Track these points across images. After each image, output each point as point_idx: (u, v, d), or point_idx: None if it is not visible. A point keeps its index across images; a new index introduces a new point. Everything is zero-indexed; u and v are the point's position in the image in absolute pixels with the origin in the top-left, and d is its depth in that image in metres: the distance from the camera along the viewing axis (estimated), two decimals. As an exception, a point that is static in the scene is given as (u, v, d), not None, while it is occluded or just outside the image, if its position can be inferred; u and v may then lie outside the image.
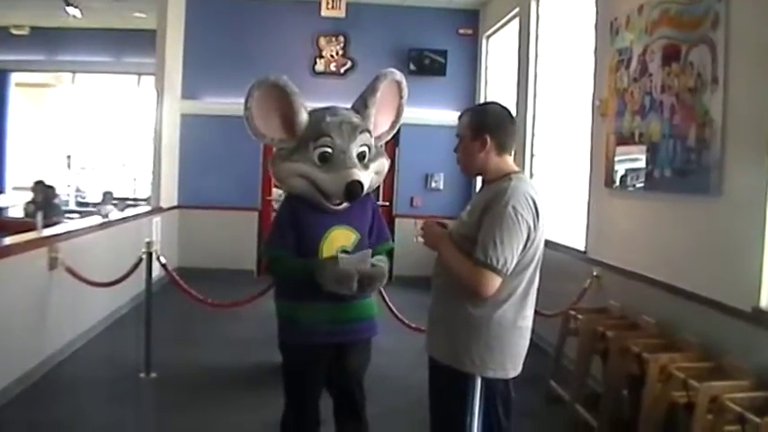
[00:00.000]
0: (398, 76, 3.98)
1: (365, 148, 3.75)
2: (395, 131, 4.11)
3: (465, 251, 2.97)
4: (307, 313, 3.61)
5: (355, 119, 3.76)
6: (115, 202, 11.24)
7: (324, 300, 3.54)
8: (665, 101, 5.11)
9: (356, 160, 3.67)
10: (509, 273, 2.91)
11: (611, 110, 6.01)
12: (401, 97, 4.03)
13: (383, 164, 3.91)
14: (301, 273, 3.52)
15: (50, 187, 10.35)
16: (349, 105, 3.90)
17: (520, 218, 2.88)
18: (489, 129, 3.10)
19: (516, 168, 3.14)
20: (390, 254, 3.97)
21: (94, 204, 12.72)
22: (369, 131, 3.79)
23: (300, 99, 3.74)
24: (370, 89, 3.87)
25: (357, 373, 3.85)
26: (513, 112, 7.81)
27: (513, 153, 3.18)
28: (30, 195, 10.69)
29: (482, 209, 2.97)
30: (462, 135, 3.19)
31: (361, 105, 3.85)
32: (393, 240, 4.18)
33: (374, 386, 4.06)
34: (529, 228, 2.92)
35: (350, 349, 3.73)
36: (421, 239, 3.26)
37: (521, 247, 2.91)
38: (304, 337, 3.63)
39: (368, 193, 3.88)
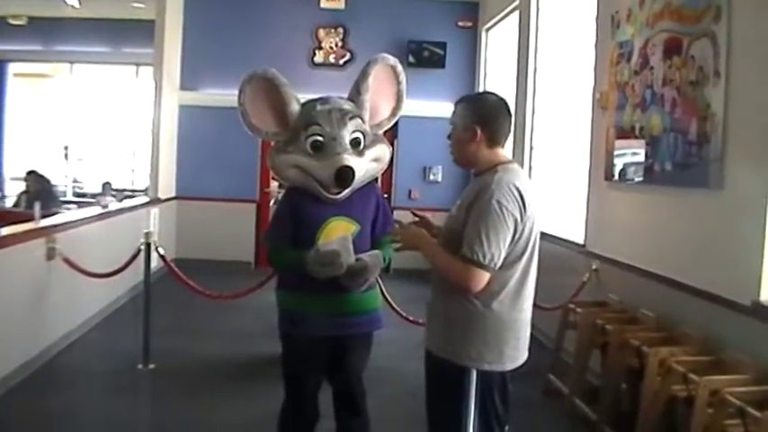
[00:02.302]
0: (392, 60, 3.91)
1: (359, 135, 3.69)
2: (396, 119, 4.03)
3: (454, 246, 2.93)
4: (305, 305, 3.59)
5: (347, 106, 3.72)
6: (114, 192, 11.23)
7: (322, 292, 3.52)
8: (666, 94, 5.09)
9: (348, 146, 3.62)
10: (497, 267, 2.88)
11: (611, 103, 6.00)
12: (399, 83, 3.95)
13: (383, 150, 3.85)
14: (296, 264, 3.49)
15: (43, 177, 10.32)
16: (347, 96, 3.87)
17: (505, 211, 2.84)
18: (481, 121, 3.04)
19: (506, 160, 3.08)
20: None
21: (92, 195, 12.70)
22: (361, 117, 3.74)
23: (290, 90, 3.73)
24: (362, 75, 3.82)
25: (355, 368, 3.81)
26: (513, 106, 7.81)
27: (505, 145, 3.13)
28: (23, 186, 10.65)
29: (469, 202, 2.95)
30: (454, 125, 3.15)
31: (355, 93, 3.81)
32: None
33: (373, 377, 4.04)
34: (515, 220, 2.87)
35: (349, 343, 3.70)
36: (396, 245, 3.25)
37: (508, 240, 2.87)
38: (302, 329, 3.61)
39: (373, 184, 3.87)
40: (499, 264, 2.87)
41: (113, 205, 8.49)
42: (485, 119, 3.06)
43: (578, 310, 5.47)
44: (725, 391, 3.56)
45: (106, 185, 12.30)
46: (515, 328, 3.03)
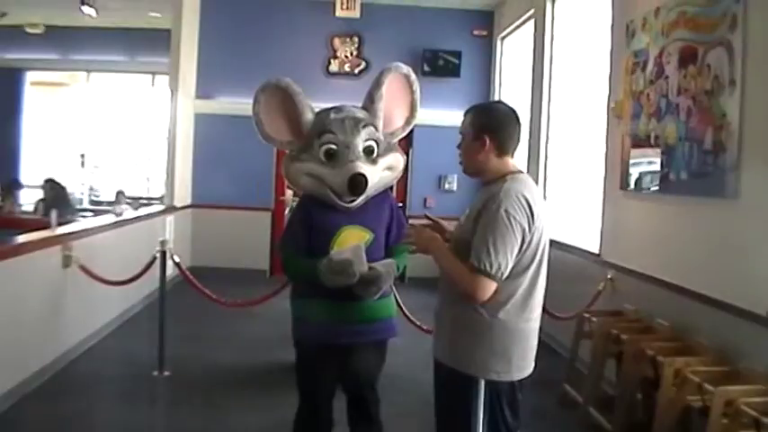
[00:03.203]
0: (405, 69, 3.92)
1: (372, 143, 3.71)
2: (410, 128, 4.03)
3: (463, 255, 2.93)
4: (319, 312, 3.60)
5: (360, 114, 3.74)
6: (129, 201, 11.27)
7: (336, 300, 3.53)
8: (681, 103, 5.08)
9: (361, 154, 3.64)
10: (504, 277, 2.88)
11: (626, 112, 5.99)
12: (413, 92, 3.96)
13: (397, 159, 3.85)
14: (309, 273, 3.50)
15: (59, 184, 10.37)
16: (361, 105, 3.88)
17: (512, 221, 2.84)
18: (490, 130, 3.05)
19: (515, 169, 3.08)
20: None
21: (108, 203, 12.75)
22: (374, 125, 3.75)
23: (304, 99, 3.76)
24: (375, 83, 3.83)
25: (368, 375, 3.83)
26: (528, 114, 7.79)
27: (514, 155, 3.14)
28: (40, 193, 10.70)
29: (477, 212, 2.95)
30: (464, 134, 3.16)
31: (368, 101, 3.83)
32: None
33: (387, 386, 4.06)
34: (523, 230, 2.87)
35: (362, 351, 3.70)
36: (411, 247, 3.25)
37: (515, 250, 2.87)
38: (315, 336, 3.63)
39: (387, 192, 3.88)
40: (506, 273, 2.87)
41: (128, 213, 8.53)
42: (494, 128, 3.07)
43: (593, 319, 5.46)
44: (740, 401, 3.55)
45: (120, 194, 12.33)
46: (523, 337, 3.02)
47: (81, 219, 9.03)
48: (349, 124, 3.65)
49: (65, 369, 5.99)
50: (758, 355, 4.05)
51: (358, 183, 3.53)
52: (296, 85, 3.76)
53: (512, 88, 10.49)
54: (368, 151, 3.68)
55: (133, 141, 15.02)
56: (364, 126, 3.69)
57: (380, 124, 3.82)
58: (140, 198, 12.85)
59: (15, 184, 11.30)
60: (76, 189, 14.06)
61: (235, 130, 9.80)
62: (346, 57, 11.27)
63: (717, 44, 4.64)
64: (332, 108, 3.78)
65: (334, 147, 3.61)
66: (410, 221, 3.82)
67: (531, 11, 9.09)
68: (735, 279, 4.43)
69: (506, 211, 2.84)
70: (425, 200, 11.26)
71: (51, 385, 5.61)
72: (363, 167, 3.57)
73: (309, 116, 3.75)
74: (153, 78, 14.19)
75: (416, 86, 3.96)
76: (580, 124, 7.52)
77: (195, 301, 6.62)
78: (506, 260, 2.84)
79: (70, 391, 5.55)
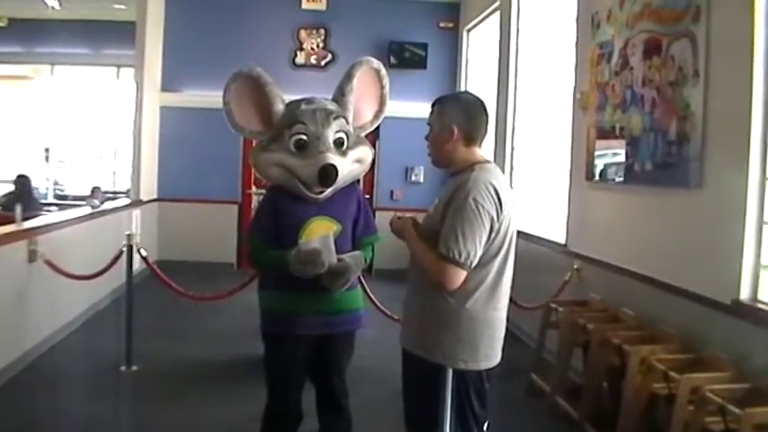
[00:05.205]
0: (375, 63, 3.94)
1: (342, 135, 3.71)
2: (379, 122, 4.05)
3: (432, 244, 2.95)
4: (287, 304, 3.60)
5: (331, 106, 3.75)
6: (108, 196, 11.16)
7: (304, 291, 3.53)
8: (645, 94, 5.13)
9: (332, 146, 3.63)
10: (473, 265, 2.90)
11: (591, 103, 6.03)
12: (382, 86, 3.98)
13: (366, 152, 3.86)
14: (277, 263, 3.51)
15: (26, 177, 10.24)
16: (330, 98, 3.88)
17: (481, 209, 2.87)
18: (457, 120, 3.07)
19: (482, 159, 3.11)
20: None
21: (74, 197, 12.60)
22: (345, 118, 3.76)
23: (275, 89, 3.75)
24: (346, 76, 3.85)
25: (338, 367, 3.82)
26: (494, 106, 7.80)
27: (482, 145, 3.16)
28: (9, 189, 10.55)
29: (446, 202, 2.97)
30: (432, 125, 3.18)
31: (338, 93, 3.84)
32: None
33: (356, 377, 4.06)
34: (491, 219, 2.90)
35: (331, 342, 3.71)
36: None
37: (484, 239, 2.90)
38: (284, 328, 3.62)
39: (354, 185, 3.88)
40: (475, 262, 2.90)
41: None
42: (461, 118, 3.09)
43: (560, 309, 5.49)
44: (705, 388, 3.58)
45: (96, 189, 12.17)
46: (491, 326, 3.05)
47: (46, 213, 8.93)
48: (320, 116, 3.64)
49: (30, 366, 5.92)
50: (723, 343, 4.10)
51: (328, 173, 3.53)
52: (267, 75, 3.75)
53: (478, 80, 10.51)
54: (338, 143, 3.68)
55: (98, 135, 14.89)
56: (335, 118, 3.69)
57: (351, 117, 3.82)
58: (106, 192, 12.71)
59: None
60: (41, 184, 13.90)
61: (201, 123, 9.80)
62: (312, 49, 11.25)
63: (681, 36, 4.68)
64: (303, 99, 3.77)
65: (304, 137, 3.60)
66: (377, 214, 3.84)
67: (497, 2, 9.11)
68: (700, 268, 4.48)
69: (474, 199, 2.86)
70: (392, 192, 11.27)
71: (17, 382, 5.56)
72: (334, 159, 3.57)
73: (280, 107, 3.74)
74: (118, 71, 14.03)
75: (386, 81, 3.98)
76: (546, 115, 7.55)
77: (163, 295, 6.58)
78: (475, 248, 2.86)
79: (37, 388, 5.50)
